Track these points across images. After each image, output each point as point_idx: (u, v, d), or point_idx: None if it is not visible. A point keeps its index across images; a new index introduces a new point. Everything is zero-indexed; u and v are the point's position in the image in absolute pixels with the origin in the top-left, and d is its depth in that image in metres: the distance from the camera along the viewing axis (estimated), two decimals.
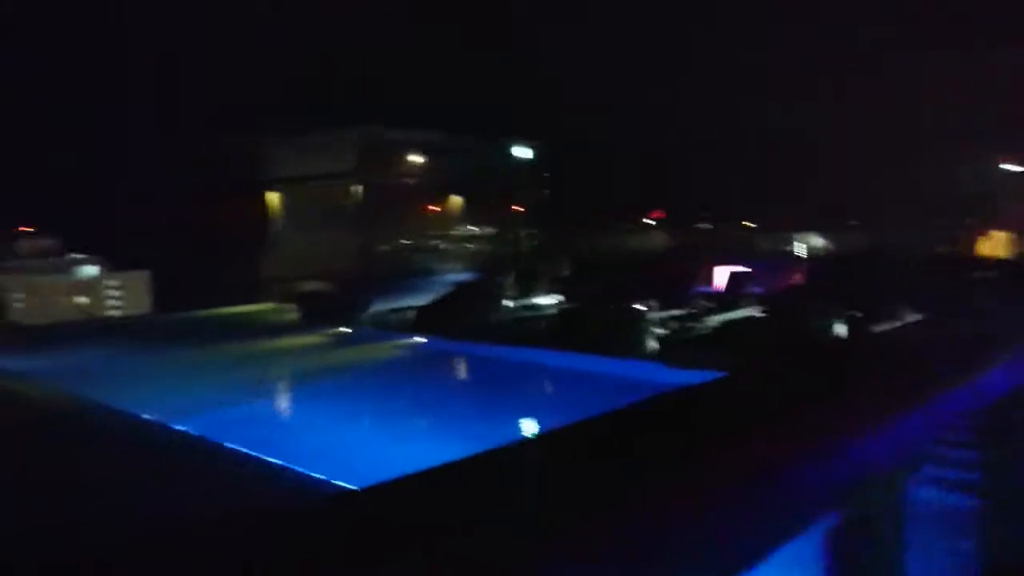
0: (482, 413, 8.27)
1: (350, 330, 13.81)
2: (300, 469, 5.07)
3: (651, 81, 27.90)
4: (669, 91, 27.62)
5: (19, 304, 24.33)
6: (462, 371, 11.77)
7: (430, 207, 21.40)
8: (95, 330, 23.61)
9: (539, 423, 7.65)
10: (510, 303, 14.76)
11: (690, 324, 11.65)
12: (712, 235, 24.97)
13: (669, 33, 27.65)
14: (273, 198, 20.51)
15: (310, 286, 17.05)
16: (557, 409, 8.48)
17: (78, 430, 7.30)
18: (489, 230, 22.42)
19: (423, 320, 13.30)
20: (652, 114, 27.71)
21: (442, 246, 21.18)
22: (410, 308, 14.11)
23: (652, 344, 10.95)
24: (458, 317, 13.10)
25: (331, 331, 13.81)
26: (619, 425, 4.69)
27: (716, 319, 11.95)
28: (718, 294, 13.79)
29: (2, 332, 14.02)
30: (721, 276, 14.57)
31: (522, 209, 22.89)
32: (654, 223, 27.74)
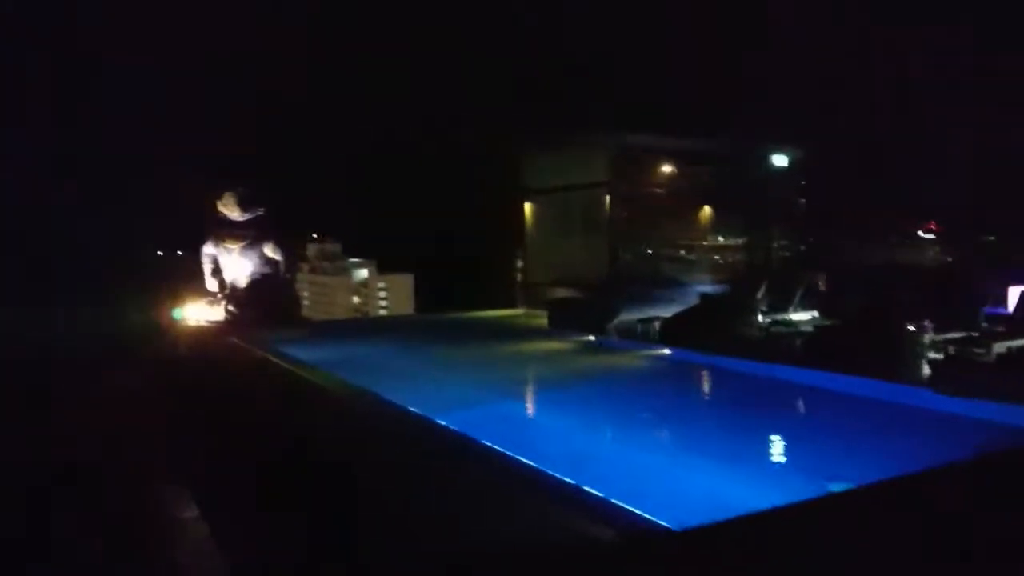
0: (752, 437, 7.73)
1: (597, 338, 13.95)
2: (558, 475, 5.06)
3: (927, 77, 25.29)
4: (947, 88, 24.86)
5: (306, 301, 27.54)
6: (717, 388, 11.27)
7: (680, 216, 21.06)
8: (366, 326, 26.08)
9: (831, 457, 6.78)
10: (761, 317, 14.08)
11: (974, 349, 10.34)
12: (1002, 249, 22.01)
13: (948, 28, 24.89)
14: (527, 208, 21.30)
15: (560, 293, 17.49)
16: (840, 439, 7.57)
17: (357, 417, 8.08)
18: (740, 240, 21.63)
19: (670, 331, 13.11)
20: (926, 114, 25.10)
21: (691, 256, 20.77)
22: (657, 319, 13.97)
23: (925, 369, 9.88)
24: (706, 330, 12.74)
25: (579, 338, 14.05)
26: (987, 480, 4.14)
27: (1007, 345, 10.50)
28: (1010, 316, 12.12)
29: (294, 325, 15.94)
30: (1014, 296, 12.81)
31: (776, 219, 21.81)
32: (929, 235, 25.09)
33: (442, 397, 8.99)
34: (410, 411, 7.73)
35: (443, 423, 7.04)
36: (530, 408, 10.03)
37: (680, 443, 7.51)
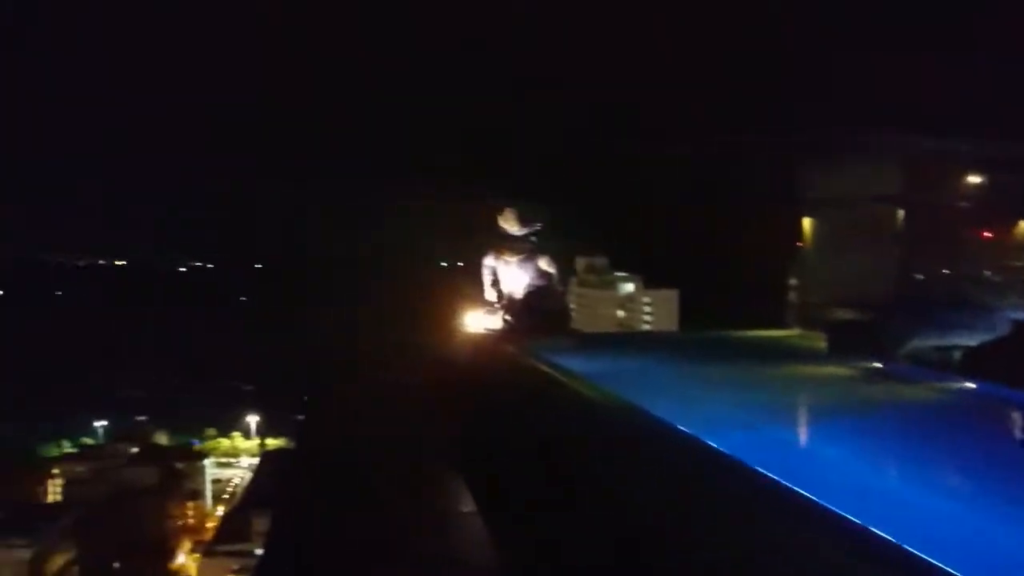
0: None
1: (886, 366, 12.77)
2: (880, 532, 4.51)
3: None
4: None
5: (573, 313, 28.44)
6: None
7: (989, 233, 18.63)
8: (631, 340, 26.27)
9: None
10: None
11: None
12: None
13: None
14: (806, 221, 20.11)
15: (842, 315, 16.29)
16: None
17: (627, 429, 8.15)
18: None
19: (977, 363, 11.65)
20: None
21: (1001, 278, 18.28)
22: (958, 347, 12.49)
23: None
24: (1021, 361, 11.12)
25: (864, 365, 12.96)
26: None
27: None
28: None
29: (563, 336, 16.52)
30: None
31: None
32: None
33: (723, 422, 8.64)
34: (680, 430, 7.62)
35: (719, 447, 6.82)
36: (817, 442, 9.25)
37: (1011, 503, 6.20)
